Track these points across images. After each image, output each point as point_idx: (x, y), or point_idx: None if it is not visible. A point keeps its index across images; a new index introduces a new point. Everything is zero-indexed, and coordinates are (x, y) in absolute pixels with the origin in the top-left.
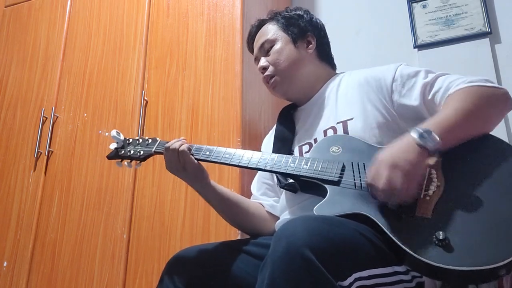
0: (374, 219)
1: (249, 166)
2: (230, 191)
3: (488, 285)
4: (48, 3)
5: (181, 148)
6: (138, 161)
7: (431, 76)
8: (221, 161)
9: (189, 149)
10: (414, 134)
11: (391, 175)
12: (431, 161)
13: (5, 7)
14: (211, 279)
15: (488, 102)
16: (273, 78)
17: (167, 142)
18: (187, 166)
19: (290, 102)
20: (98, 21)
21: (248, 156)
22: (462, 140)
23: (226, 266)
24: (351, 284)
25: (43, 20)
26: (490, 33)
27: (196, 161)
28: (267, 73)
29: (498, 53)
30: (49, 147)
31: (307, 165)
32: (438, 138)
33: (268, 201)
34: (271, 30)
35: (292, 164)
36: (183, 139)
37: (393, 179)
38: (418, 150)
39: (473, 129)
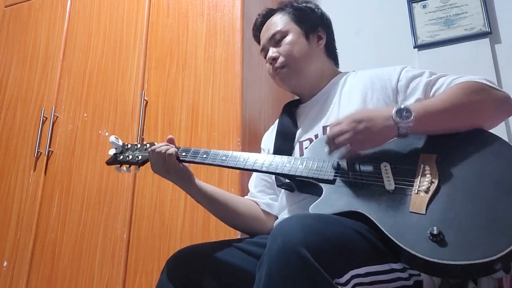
0: (369, 216)
1: (245, 167)
2: (218, 190)
3: (487, 284)
4: (48, 3)
5: (169, 151)
6: (137, 166)
7: (434, 76)
8: (218, 163)
9: (176, 153)
10: (394, 107)
11: (349, 127)
12: (427, 158)
13: (5, 7)
14: (211, 278)
15: (481, 96)
16: (283, 70)
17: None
18: (170, 170)
19: (292, 98)
20: (98, 21)
21: (244, 158)
22: (446, 129)
23: (225, 265)
24: (348, 281)
25: (43, 20)
26: (490, 33)
27: (179, 164)
28: (277, 64)
29: (498, 53)
30: (49, 147)
31: (302, 165)
32: (412, 121)
33: (264, 199)
34: (282, 21)
35: (287, 165)
36: (170, 138)
37: (347, 131)
38: (389, 124)
39: (460, 119)
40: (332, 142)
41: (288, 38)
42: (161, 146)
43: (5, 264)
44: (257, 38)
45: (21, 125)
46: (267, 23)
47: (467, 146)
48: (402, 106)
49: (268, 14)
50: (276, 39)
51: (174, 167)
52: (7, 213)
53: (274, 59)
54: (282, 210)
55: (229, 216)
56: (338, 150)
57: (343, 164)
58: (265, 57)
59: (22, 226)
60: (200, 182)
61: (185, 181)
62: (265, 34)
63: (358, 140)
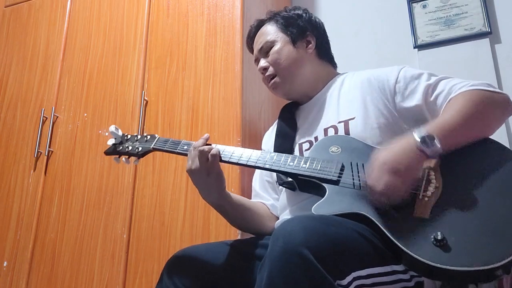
0: (373, 218)
1: (248, 164)
2: (241, 197)
3: (488, 285)
4: (48, 3)
5: (212, 152)
6: (136, 158)
7: (434, 78)
8: (221, 159)
9: (219, 153)
10: (416, 137)
11: (391, 180)
12: (430, 163)
13: (5, 7)
14: (211, 279)
15: (489, 106)
16: (274, 79)
17: (166, 139)
18: (211, 171)
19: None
20: (98, 21)
21: (247, 154)
22: (463, 144)
23: (226, 266)
24: (350, 283)
25: (43, 20)
26: (490, 33)
27: (220, 167)
28: (267, 73)
29: (498, 53)
30: (49, 147)
31: (306, 164)
32: (439, 146)
33: (269, 200)
34: (270, 31)
35: (291, 163)
36: (207, 136)
37: (393, 184)
38: (418, 154)
39: (474, 133)
40: (386, 196)
41: (276, 47)
42: (203, 145)
43: (5, 264)
44: (252, 49)
45: (21, 125)
46: (257, 34)
47: (470, 152)
48: (424, 133)
49: (259, 25)
50: (265, 50)
51: (217, 169)
52: (7, 213)
53: (265, 69)
54: (283, 211)
55: (253, 219)
56: (391, 201)
57: (348, 165)
58: None
59: (22, 226)
60: (228, 192)
61: (220, 188)
62: (256, 45)
63: (405, 185)
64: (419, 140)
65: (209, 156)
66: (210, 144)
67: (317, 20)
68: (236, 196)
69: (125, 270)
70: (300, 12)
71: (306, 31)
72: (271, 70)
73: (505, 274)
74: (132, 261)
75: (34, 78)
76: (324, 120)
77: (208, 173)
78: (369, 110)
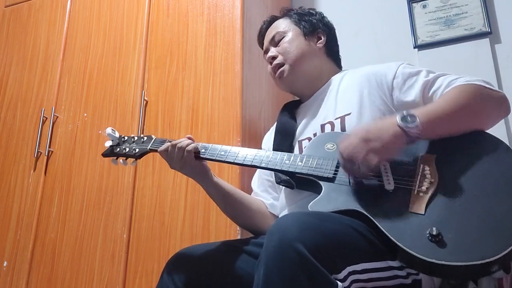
0: (368, 215)
1: (244, 163)
2: (233, 187)
3: (488, 284)
4: (48, 3)
5: (188, 148)
6: (134, 159)
7: (432, 75)
8: (217, 158)
9: (196, 149)
10: (398, 115)
11: (360, 146)
12: (427, 159)
13: (5, 7)
14: (211, 279)
15: (481, 100)
16: (281, 68)
17: (163, 140)
18: (186, 166)
19: (292, 98)
20: (98, 21)
21: (243, 154)
22: (450, 133)
23: (226, 266)
24: (346, 277)
25: (43, 20)
26: (490, 33)
27: (195, 161)
28: (276, 62)
29: (498, 53)
30: (49, 147)
31: (302, 162)
32: (419, 123)
33: (268, 200)
34: (283, 24)
35: (287, 161)
36: (189, 136)
37: (359, 152)
38: (396, 131)
39: (462, 123)
40: (349, 166)
41: (287, 38)
42: (182, 141)
43: (5, 264)
44: (262, 43)
45: (21, 125)
46: (270, 28)
47: (466, 147)
48: (405, 113)
49: (272, 20)
50: (276, 40)
51: (190, 164)
52: (7, 213)
53: (273, 58)
54: (282, 210)
55: (243, 213)
56: (356, 171)
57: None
58: None
59: (22, 226)
60: (217, 179)
61: (202, 178)
62: (267, 37)
63: (372, 158)
64: (399, 117)
65: (183, 152)
66: (193, 141)
67: (330, 22)
68: (227, 187)
69: (125, 270)
70: (313, 11)
71: (318, 28)
72: (280, 58)
73: (503, 269)
74: (132, 261)
75: (34, 78)
76: (322, 116)
77: (182, 167)
78: (366, 106)
